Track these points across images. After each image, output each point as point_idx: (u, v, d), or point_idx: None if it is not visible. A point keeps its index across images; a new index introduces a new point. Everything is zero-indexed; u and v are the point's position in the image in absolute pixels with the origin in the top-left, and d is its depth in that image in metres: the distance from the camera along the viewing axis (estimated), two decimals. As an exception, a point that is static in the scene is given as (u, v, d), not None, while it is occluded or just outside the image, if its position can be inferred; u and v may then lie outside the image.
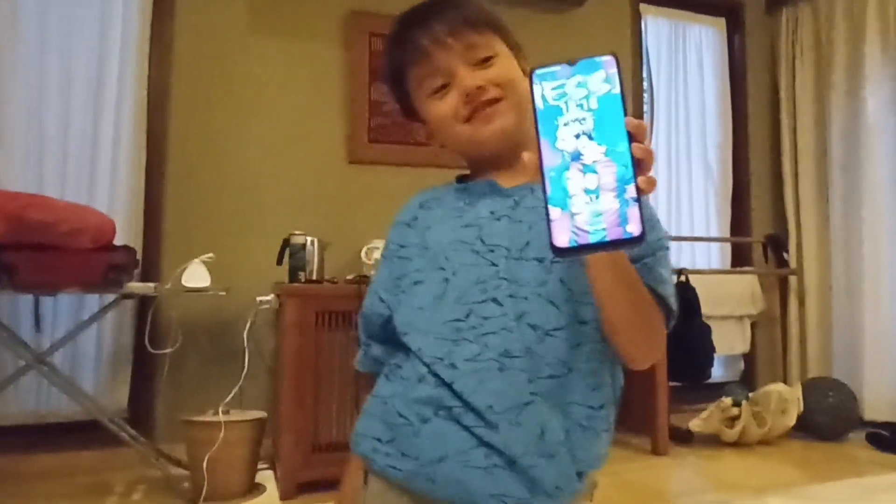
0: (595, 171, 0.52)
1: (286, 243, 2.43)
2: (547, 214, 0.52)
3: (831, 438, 3.00)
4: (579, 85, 0.55)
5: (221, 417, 2.17)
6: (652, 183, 0.53)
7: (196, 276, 2.30)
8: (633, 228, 0.50)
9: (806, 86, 3.60)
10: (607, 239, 0.50)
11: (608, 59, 0.54)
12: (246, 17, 2.81)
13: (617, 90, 0.54)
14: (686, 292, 3.01)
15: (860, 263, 3.23)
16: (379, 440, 0.79)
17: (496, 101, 0.81)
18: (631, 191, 0.51)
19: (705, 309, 3.08)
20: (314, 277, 2.39)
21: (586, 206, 0.51)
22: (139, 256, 2.41)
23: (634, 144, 0.52)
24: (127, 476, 2.38)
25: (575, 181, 0.52)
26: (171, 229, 2.64)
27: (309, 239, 2.41)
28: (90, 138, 2.59)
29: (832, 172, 3.43)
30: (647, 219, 0.52)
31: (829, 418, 3.00)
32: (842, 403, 3.02)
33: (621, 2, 3.46)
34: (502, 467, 0.71)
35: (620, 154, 0.52)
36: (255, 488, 2.28)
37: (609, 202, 0.51)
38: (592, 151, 0.53)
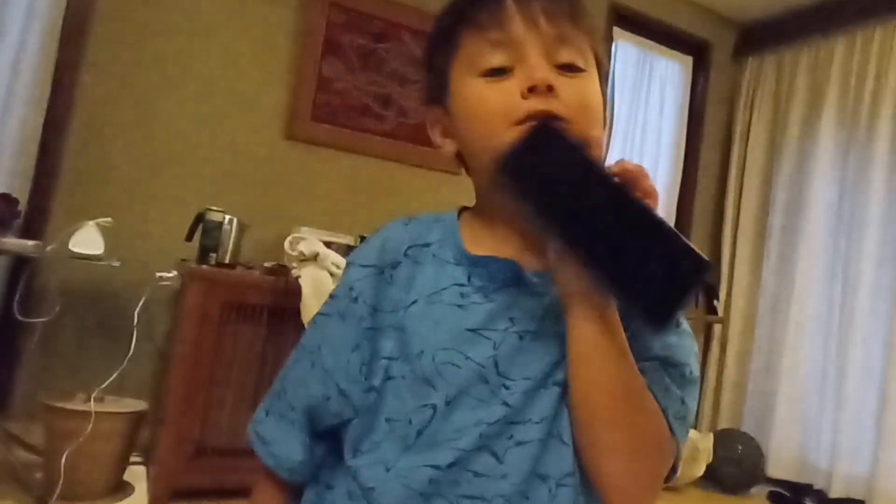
0: None
1: (200, 218, 2.16)
2: None
3: (735, 491, 3.02)
4: None
5: (93, 406, 1.89)
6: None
7: (87, 240, 2.00)
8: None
9: (758, 138, 3.64)
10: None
11: None
12: (192, -42, 2.50)
13: None
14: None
15: (785, 323, 3.28)
16: None
17: (561, 118, 0.57)
18: None
19: (632, 346, 3.02)
20: (227, 261, 2.14)
21: None
22: (22, 208, 2.08)
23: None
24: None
25: None
26: (66, 183, 2.29)
27: (227, 217, 2.16)
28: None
29: (772, 229, 3.47)
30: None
31: (736, 471, 3.01)
32: (749, 458, 3.05)
33: (596, 21, 3.37)
34: None
35: None
36: (122, 489, 2.01)
37: None
38: None
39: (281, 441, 0.64)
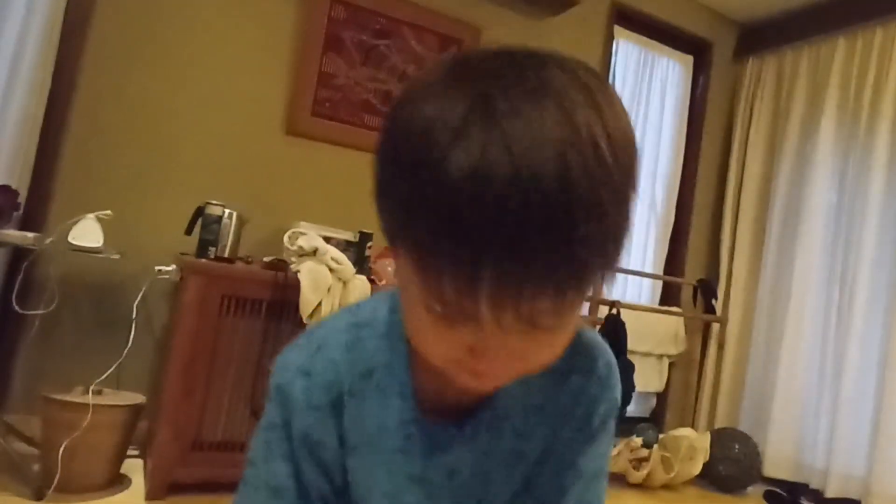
0: None
1: (199, 212, 2.16)
2: None
3: (731, 490, 3.02)
4: None
5: (91, 398, 1.89)
6: None
7: (87, 233, 2.00)
8: None
9: (758, 138, 3.64)
10: None
11: None
12: (194, -47, 2.49)
13: None
14: (616, 326, 2.94)
15: (783, 322, 3.27)
16: None
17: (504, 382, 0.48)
18: None
19: (629, 344, 3.02)
20: (226, 255, 2.14)
21: None
22: (21, 200, 2.08)
23: None
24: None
25: None
26: (66, 175, 2.29)
27: (227, 211, 2.15)
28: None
29: (770, 228, 3.46)
30: None
31: (733, 470, 3.01)
32: (746, 457, 3.05)
33: (597, 19, 3.37)
34: None
35: None
36: (119, 481, 2.01)
37: None
38: None
39: None
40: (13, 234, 1.91)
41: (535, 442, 0.61)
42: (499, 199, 0.36)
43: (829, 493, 2.93)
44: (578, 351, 0.60)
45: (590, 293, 0.58)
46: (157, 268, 2.15)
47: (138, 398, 2.06)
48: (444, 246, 0.39)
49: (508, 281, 0.38)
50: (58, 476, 1.80)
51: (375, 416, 0.57)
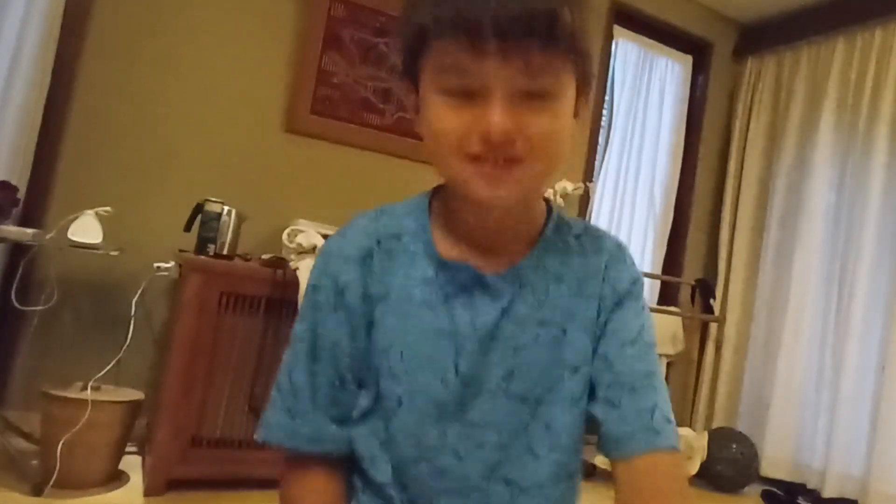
0: None
1: (199, 209, 2.16)
2: None
3: (729, 490, 3.02)
4: None
5: (90, 395, 1.89)
6: None
7: (87, 229, 2.00)
8: None
9: (757, 138, 3.64)
10: None
11: None
12: (194, -50, 2.49)
13: None
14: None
15: (781, 322, 3.28)
16: None
17: (519, 160, 0.56)
18: None
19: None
20: (225, 252, 2.14)
21: None
22: (20, 196, 2.08)
23: None
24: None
25: None
26: (66, 172, 2.29)
27: (226, 208, 2.16)
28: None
29: (769, 228, 3.47)
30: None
31: (730, 470, 3.01)
32: (743, 457, 3.04)
33: (597, 18, 3.37)
34: None
35: None
36: (118, 477, 2.01)
37: None
38: None
39: (306, 423, 0.64)
40: (12, 230, 1.91)
41: (556, 314, 0.64)
42: None
43: (827, 494, 2.93)
44: (588, 234, 0.69)
45: (573, 61, 0.57)
46: (156, 265, 2.16)
47: (137, 395, 2.06)
48: (440, 10, 0.54)
49: (509, 15, 0.51)
50: (56, 472, 1.81)
51: (403, 270, 0.64)
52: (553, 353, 0.63)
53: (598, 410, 0.62)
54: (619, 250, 0.69)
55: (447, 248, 0.65)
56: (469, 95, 0.56)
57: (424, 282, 0.63)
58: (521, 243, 0.66)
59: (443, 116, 0.57)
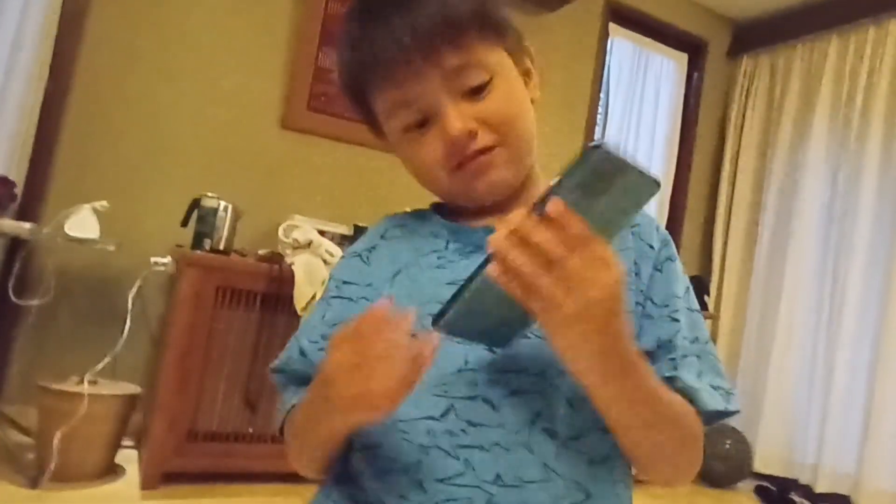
0: None
1: (195, 204, 2.17)
2: None
3: (722, 486, 3.04)
4: None
5: (86, 388, 1.90)
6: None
7: (83, 224, 2.01)
8: None
9: (751, 136, 3.67)
10: None
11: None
12: (190, -53, 2.50)
13: None
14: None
15: (774, 319, 3.30)
16: None
17: (490, 148, 0.60)
18: None
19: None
20: (221, 247, 2.15)
21: None
22: (18, 191, 2.09)
23: None
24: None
25: None
26: (63, 167, 2.30)
27: (222, 203, 2.17)
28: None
29: (763, 226, 3.49)
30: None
31: (723, 466, 3.04)
32: (737, 452, 3.07)
33: (592, 16, 3.39)
34: None
35: None
36: (113, 471, 2.03)
37: None
38: None
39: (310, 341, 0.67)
40: (9, 224, 1.92)
41: None
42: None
43: (819, 489, 2.96)
44: None
45: (482, 46, 0.61)
46: (152, 259, 2.17)
47: (133, 389, 2.07)
48: (361, 54, 0.60)
49: (421, 33, 0.57)
50: (53, 465, 1.82)
51: (412, 249, 0.66)
52: None
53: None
54: (647, 215, 0.68)
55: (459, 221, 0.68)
56: (426, 120, 0.61)
57: (433, 250, 0.65)
58: None
59: (417, 152, 0.62)
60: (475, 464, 0.54)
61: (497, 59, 0.62)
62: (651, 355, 0.60)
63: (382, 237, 0.69)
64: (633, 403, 0.52)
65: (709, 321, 3.61)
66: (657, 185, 0.45)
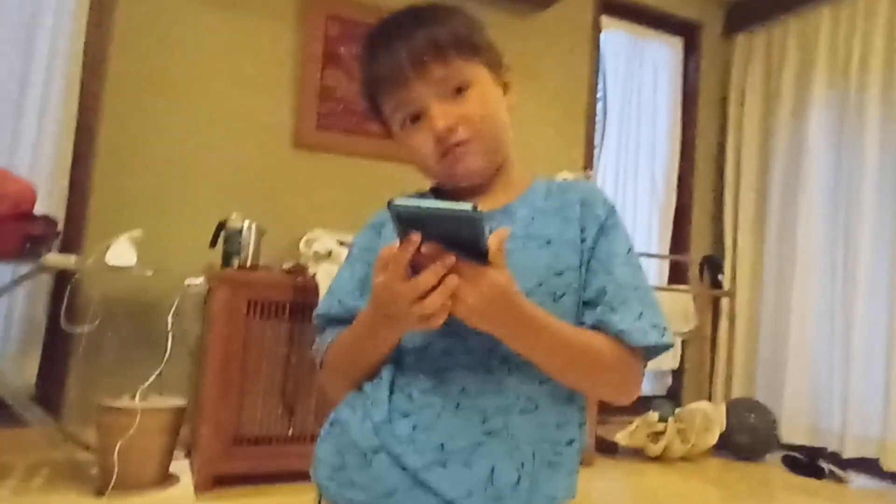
0: None
1: (221, 226, 2.33)
2: None
3: (750, 458, 3.10)
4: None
5: (138, 404, 2.07)
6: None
7: (122, 253, 2.17)
8: None
9: (753, 112, 3.70)
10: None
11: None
12: (197, -14, 2.67)
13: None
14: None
15: (790, 290, 3.34)
16: (333, 467, 0.77)
17: (467, 141, 0.78)
18: None
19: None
20: (248, 264, 2.30)
21: None
22: (60, 228, 2.26)
23: None
24: (29, 458, 2.24)
25: None
26: (98, 202, 2.49)
27: (246, 223, 2.32)
28: (15, 99, 2.41)
29: (771, 200, 3.54)
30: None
31: (750, 439, 3.09)
32: (762, 425, 3.11)
33: (583, 11, 3.48)
34: None
35: None
36: (169, 479, 2.18)
37: None
38: None
39: (338, 297, 0.85)
40: (58, 259, 2.09)
41: (542, 231, 0.79)
42: (392, 26, 0.80)
43: (847, 455, 2.98)
44: (566, 182, 0.88)
45: (460, 61, 0.78)
46: (186, 281, 2.33)
47: (179, 402, 2.23)
48: (372, 70, 0.80)
49: (414, 53, 0.76)
50: (115, 476, 1.98)
51: None
52: (538, 257, 0.76)
53: (590, 318, 0.76)
54: (596, 189, 0.85)
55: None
56: (418, 117, 0.79)
57: None
58: (513, 193, 0.83)
59: (413, 142, 0.80)
60: (447, 379, 0.73)
61: (474, 71, 0.79)
62: (592, 302, 0.76)
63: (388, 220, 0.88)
64: (548, 353, 0.70)
65: (725, 299, 3.67)
66: (468, 213, 0.57)
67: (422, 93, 0.77)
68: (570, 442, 0.77)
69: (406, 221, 0.60)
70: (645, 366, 0.77)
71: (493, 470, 0.70)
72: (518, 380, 0.73)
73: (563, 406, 0.76)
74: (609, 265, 0.77)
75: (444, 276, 0.62)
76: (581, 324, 0.76)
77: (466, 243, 0.60)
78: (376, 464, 0.72)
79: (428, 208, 0.57)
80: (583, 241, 0.78)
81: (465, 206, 0.56)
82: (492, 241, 0.62)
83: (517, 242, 0.76)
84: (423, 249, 0.61)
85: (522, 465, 0.72)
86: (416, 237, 0.60)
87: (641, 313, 0.75)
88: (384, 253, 0.65)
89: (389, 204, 0.58)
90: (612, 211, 0.81)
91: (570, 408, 0.77)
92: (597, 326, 0.75)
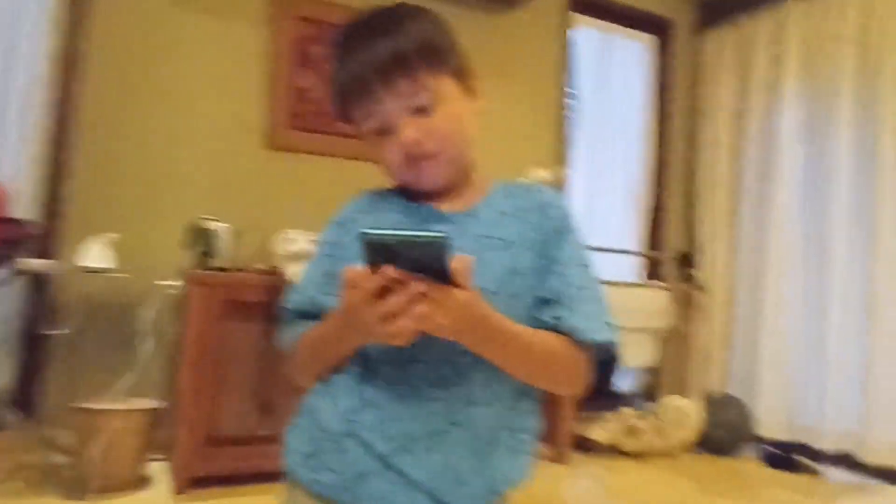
0: None
1: (196, 227, 2.35)
2: None
3: (727, 453, 3.11)
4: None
5: (111, 405, 2.08)
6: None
7: (98, 256, 2.19)
8: None
9: (724, 109, 3.70)
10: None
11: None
12: (169, -11, 2.68)
13: None
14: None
15: (764, 286, 3.35)
16: (304, 454, 0.80)
17: (433, 154, 0.81)
18: None
19: (617, 320, 3.14)
20: (223, 265, 2.32)
21: None
22: (36, 231, 2.27)
23: None
24: (6, 462, 2.24)
25: None
26: (74, 205, 2.49)
27: (221, 225, 2.34)
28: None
29: (744, 196, 3.55)
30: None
31: (726, 434, 3.11)
32: (738, 420, 3.14)
33: (554, 9, 3.50)
34: (415, 490, 0.74)
35: None
36: (148, 480, 2.20)
37: None
38: None
39: (304, 292, 0.89)
40: (36, 262, 2.11)
41: (503, 233, 0.83)
42: (359, 31, 0.81)
43: (824, 449, 2.98)
44: (527, 185, 0.92)
45: (428, 76, 0.80)
46: (163, 283, 2.34)
47: (156, 403, 2.24)
48: (341, 75, 0.82)
49: (379, 68, 0.77)
50: (92, 478, 1.99)
51: (373, 216, 0.89)
52: (498, 258, 0.80)
53: (545, 315, 0.80)
54: (553, 195, 0.89)
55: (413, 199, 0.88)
56: (387, 130, 0.82)
57: (395, 218, 0.86)
58: (475, 195, 0.87)
59: (381, 150, 0.83)
60: (412, 371, 0.77)
61: (441, 84, 0.81)
62: (548, 301, 0.81)
63: (359, 211, 0.92)
64: (512, 358, 0.75)
65: (701, 295, 3.71)
66: (440, 240, 0.61)
67: (389, 106, 0.79)
68: (527, 429, 0.83)
69: (375, 248, 0.63)
70: (593, 361, 0.82)
71: (455, 456, 0.75)
72: (481, 373, 0.77)
73: (521, 397, 0.82)
74: (563, 266, 0.82)
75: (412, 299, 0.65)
76: (535, 320, 0.80)
77: (432, 266, 0.64)
78: (348, 447, 0.76)
79: (397, 236, 0.62)
80: (540, 243, 0.83)
81: (435, 234, 0.61)
82: (455, 263, 0.64)
83: (478, 243, 0.81)
84: (392, 274, 0.64)
85: (483, 451, 0.77)
86: (390, 271, 0.63)
87: (593, 312, 0.80)
88: (351, 274, 0.67)
89: (360, 233, 0.61)
90: (567, 215, 0.86)
91: (527, 398, 0.83)
92: (550, 324, 0.79)
